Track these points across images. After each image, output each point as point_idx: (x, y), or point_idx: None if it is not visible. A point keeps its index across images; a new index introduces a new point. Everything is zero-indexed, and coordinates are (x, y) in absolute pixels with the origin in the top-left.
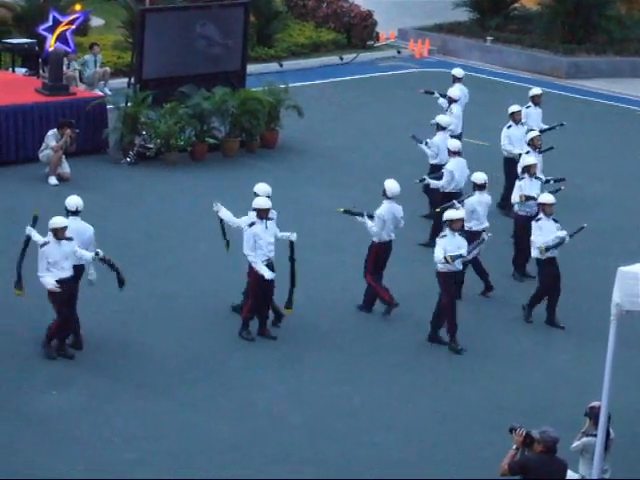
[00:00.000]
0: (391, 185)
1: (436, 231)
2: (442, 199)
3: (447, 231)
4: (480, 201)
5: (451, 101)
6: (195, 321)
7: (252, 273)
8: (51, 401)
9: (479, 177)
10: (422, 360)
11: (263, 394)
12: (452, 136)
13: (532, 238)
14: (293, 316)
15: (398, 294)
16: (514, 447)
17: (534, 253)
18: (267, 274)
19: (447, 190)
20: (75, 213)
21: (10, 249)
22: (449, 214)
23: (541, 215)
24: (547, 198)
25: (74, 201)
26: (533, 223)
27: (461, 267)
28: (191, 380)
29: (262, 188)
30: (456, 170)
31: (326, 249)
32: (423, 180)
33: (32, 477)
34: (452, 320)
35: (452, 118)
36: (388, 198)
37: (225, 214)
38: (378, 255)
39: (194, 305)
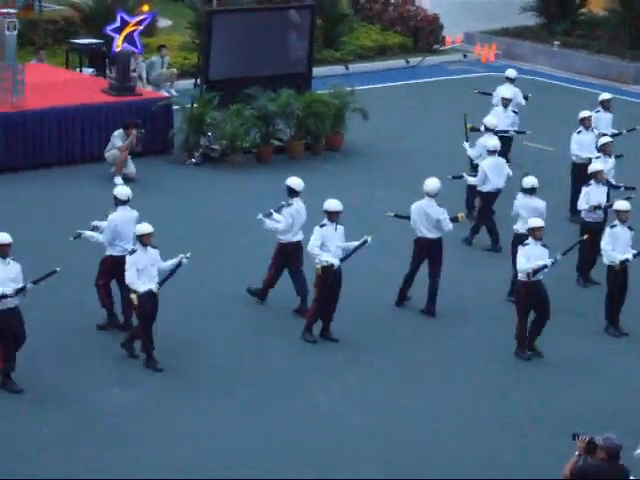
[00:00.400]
0: (427, 182)
1: (495, 236)
2: (483, 200)
3: (530, 239)
4: (525, 204)
5: (505, 101)
6: (256, 322)
7: (318, 278)
8: (113, 399)
9: (527, 181)
10: (484, 364)
11: (323, 396)
12: (503, 137)
13: (602, 245)
14: (356, 319)
15: (461, 297)
16: (577, 453)
17: (606, 260)
18: (334, 261)
19: (485, 190)
20: (125, 202)
21: (71, 249)
22: (532, 222)
23: (616, 222)
24: (622, 205)
25: (125, 191)
26: (607, 229)
27: (541, 278)
28: (249, 380)
29: (296, 182)
30: (490, 169)
31: (389, 251)
32: (461, 177)
33: (94, 477)
34: (522, 326)
35: (514, 118)
36: (427, 196)
37: (270, 224)
38: (415, 251)
39: (255, 306)
